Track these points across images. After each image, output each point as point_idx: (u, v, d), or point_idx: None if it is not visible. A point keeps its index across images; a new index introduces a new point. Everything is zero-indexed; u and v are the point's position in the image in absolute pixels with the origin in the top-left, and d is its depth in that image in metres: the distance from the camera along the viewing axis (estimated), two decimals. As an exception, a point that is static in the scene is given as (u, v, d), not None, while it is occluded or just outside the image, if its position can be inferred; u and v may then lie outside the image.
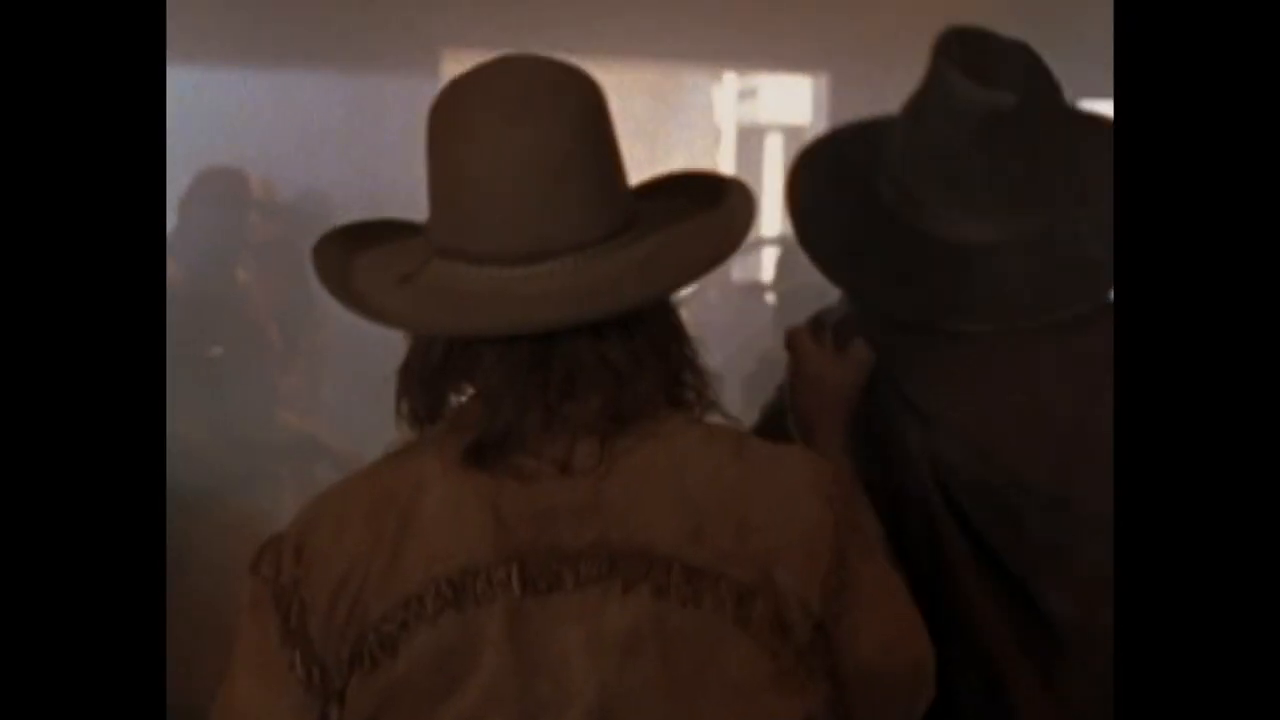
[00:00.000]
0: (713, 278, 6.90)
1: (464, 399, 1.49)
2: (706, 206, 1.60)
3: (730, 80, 12.79)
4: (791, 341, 1.79)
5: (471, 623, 1.42)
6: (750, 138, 13.38)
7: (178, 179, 4.66)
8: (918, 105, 1.79)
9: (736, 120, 13.06)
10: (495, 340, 1.44)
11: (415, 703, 1.42)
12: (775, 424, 1.81)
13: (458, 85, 1.50)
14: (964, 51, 1.76)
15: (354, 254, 1.51)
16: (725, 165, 12.83)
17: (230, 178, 4.65)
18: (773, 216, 12.88)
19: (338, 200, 5.80)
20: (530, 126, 1.44)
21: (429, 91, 6.29)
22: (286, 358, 4.50)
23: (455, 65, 7.09)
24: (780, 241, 7.90)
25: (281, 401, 4.36)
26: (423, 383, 1.50)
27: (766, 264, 8.13)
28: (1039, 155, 1.73)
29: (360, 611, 1.44)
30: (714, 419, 1.52)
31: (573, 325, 1.41)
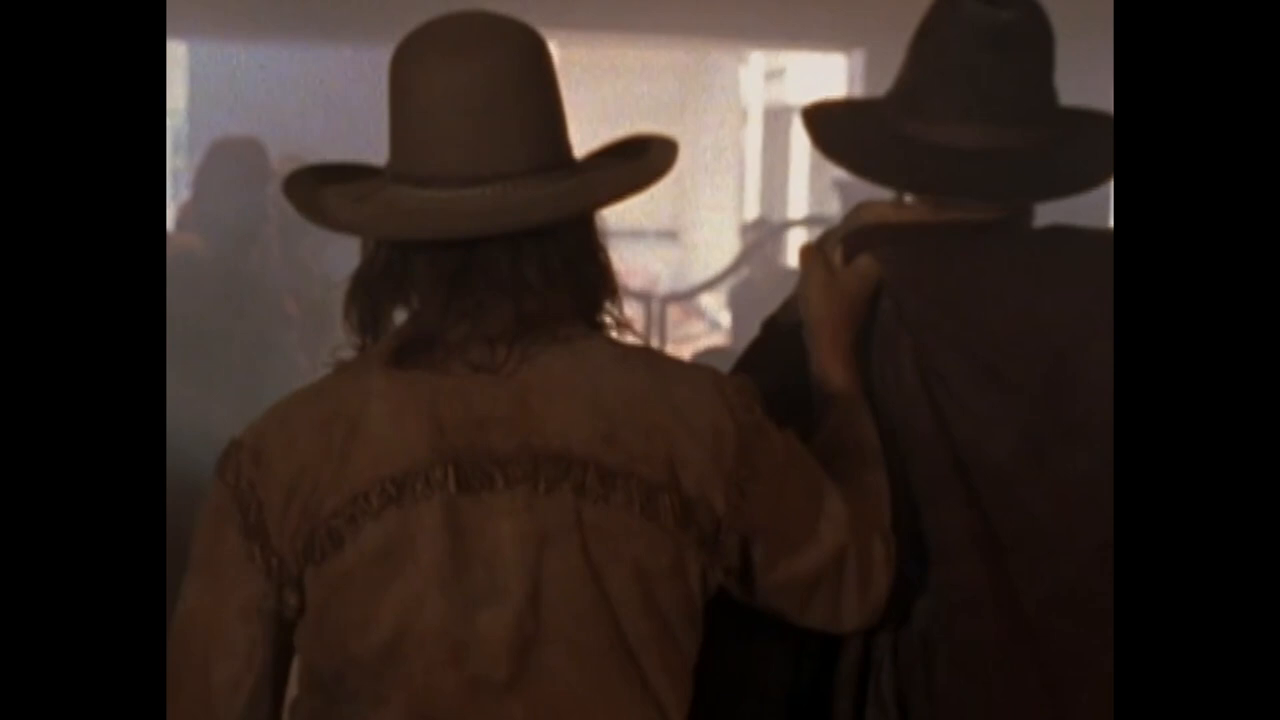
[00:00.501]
0: (756, 261, 6.78)
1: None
2: (633, 157, 1.75)
3: (757, 61, 12.73)
4: (804, 255, 1.93)
5: (412, 518, 1.58)
6: (778, 118, 13.30)
7: (200, 156, 4.62)
8: (925, 28, 1.93)
9: (764, 101, 12.98)
10: (425, 249, 1.62)
11: (363, 589, 1.58)
12: (773, 334, 1.98)
13: (416, 31, 1.68)
14: None
15: (326, 184, 1.70)
16: (752, 146, 12.80)
17: (248, 148, 4.54)
18: (799, 198, 12.85)
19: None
20: (469, 65, 1.60)
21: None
22: (305, 332, 4.46)
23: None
24: (809, 222, 7.84)
25: (301, 379, 4.29)
26: (366, 290, 1.67)
27: (793, 247, 8.13)
28: (1029, 72, 1.90)
29: (312, 509, 1.59)
30: (629, 339, 1.72)
31: (486, 235, 1.59)
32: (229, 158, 4.43)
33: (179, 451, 3.82)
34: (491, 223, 1.60)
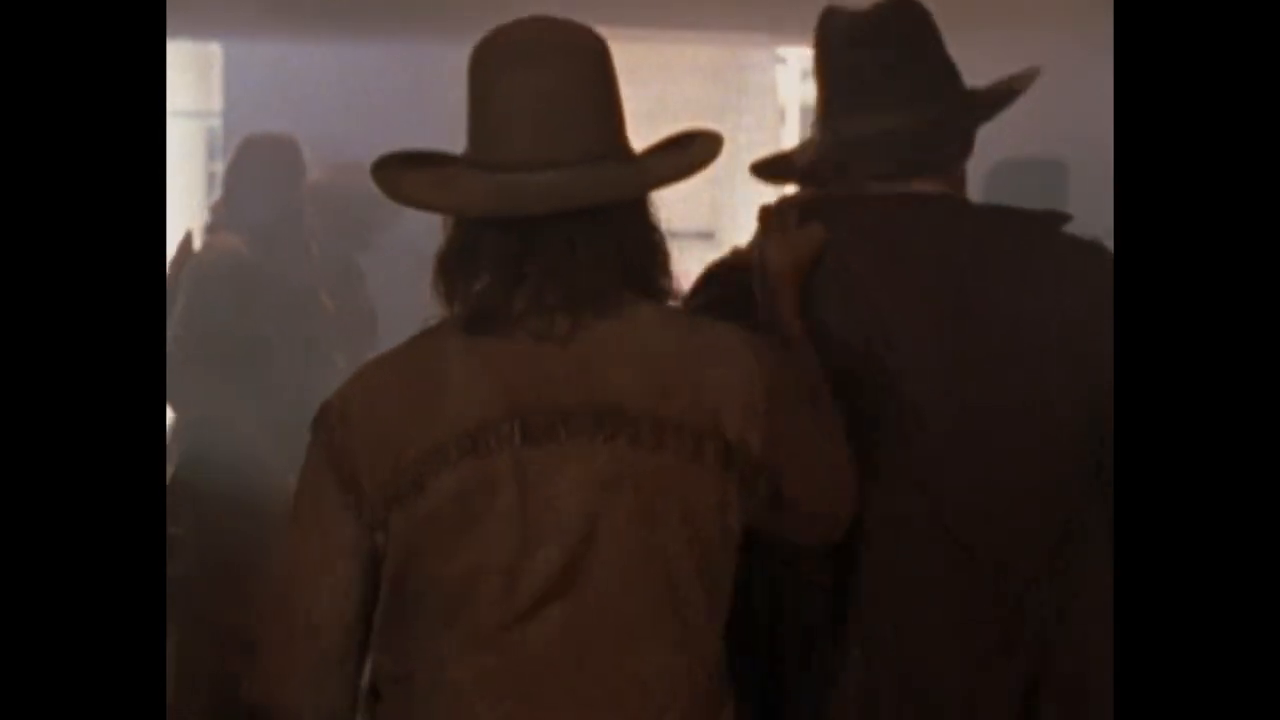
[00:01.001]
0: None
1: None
2: (681, 148, 1.99)
3: (794, 61, 12.64)
4: (763, 216, 2.16)
5: (486, 467, 1.82)
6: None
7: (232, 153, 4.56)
8: (814, 45, 2.25)
9: (801, 100, 12.89)
10: (494, 228, 1.86)
11: (444, 529, 1.81)
12: (713, 284, 2.19)
13: (491, 35, 1.93)
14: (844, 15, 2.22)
15: (406, 170, 1.93)
16: (789, 145, 12.63)
17: (282, 144, 4.46)
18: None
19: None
20: (540, 68, 1.86)
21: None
22: (343, 330, 4.38)
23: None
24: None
25: (341, 377, 4.21)
26: (445, 267, 1.91)
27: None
28: (898, 61, 2.16)
29: (397, 460, 1.82)
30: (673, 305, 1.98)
31: (545, 214, 1.83)
32: (263, 154, 4.37)
33: (228, 451, 3.82)
34: (548, 203, 1.83)
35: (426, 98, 6.34)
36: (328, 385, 3.93)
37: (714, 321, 2.00)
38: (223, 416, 3.92)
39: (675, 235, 2.02)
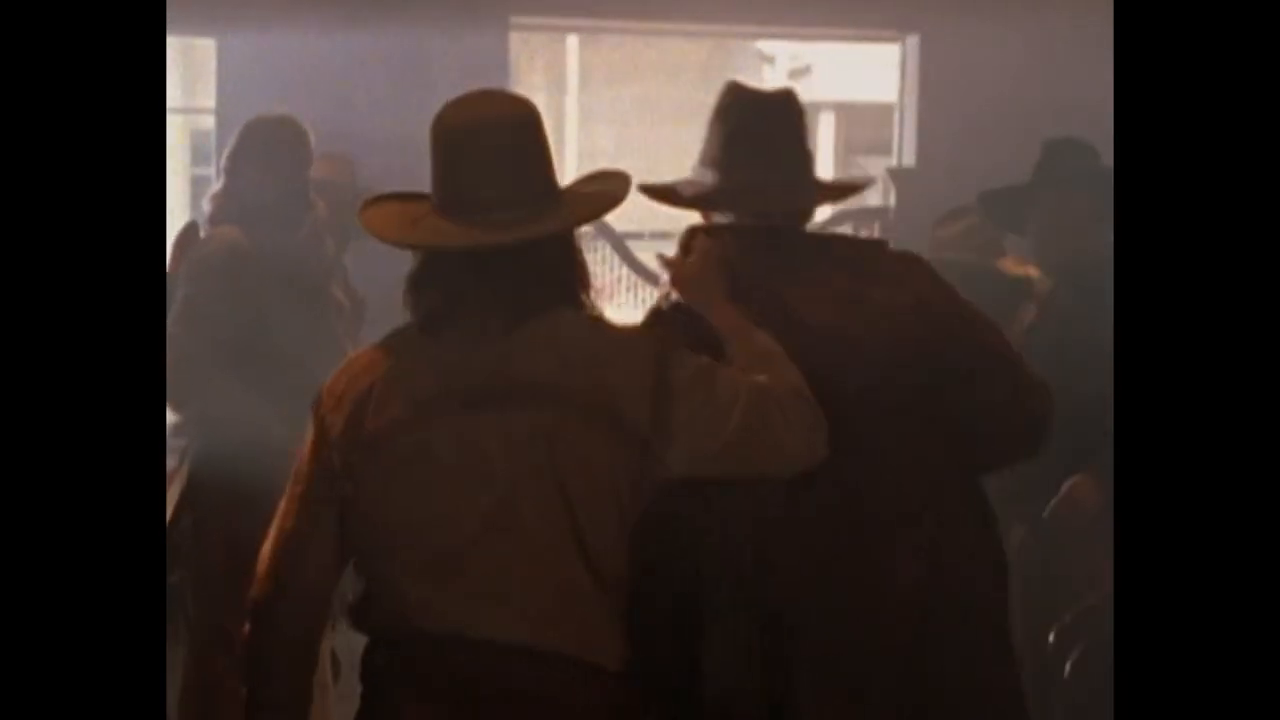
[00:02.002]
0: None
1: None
2: (598, 184, 2.47)
3: (782, 60, 12.59)
4: (664, 260, 2.66)
5: (430, 434, 2.31)
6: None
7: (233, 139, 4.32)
8: (716, 110, 2.70)
9: (788, 99, 12.83)
10: (453, 256, 2.36)
11: (400, 484, 2.31)
12: (660, 319, 2.63)
13: (447, 107, 2.38)
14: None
15: (384, 208, 2.44)
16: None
17: (287, 127, 4.05)
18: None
19: (390, 163, 5.60)
20: (484, 134, 2.35)
21: (489, 54, 5.94)
22: (352, 322, 4.21)
23: (517, 36, 6.96)
24: (834, 221, 7.66)
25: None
26: (412, 284, 2.38)
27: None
28: (783, 133, 2.68)
29: (362, 429, 2.33)
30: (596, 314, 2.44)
31: (485, 251, 2.33)
32: (267, 135, 4.02)
33: (241, 445, 3.66)
34: (494, 239, 2.32)
35: (419, 92, 6.26)
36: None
37: (618, 324, 2.49)
38: (229, 412, 3.74)
39: (664, 236, 2.56)
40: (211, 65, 6.49)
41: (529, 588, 2.26)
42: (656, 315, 2.62)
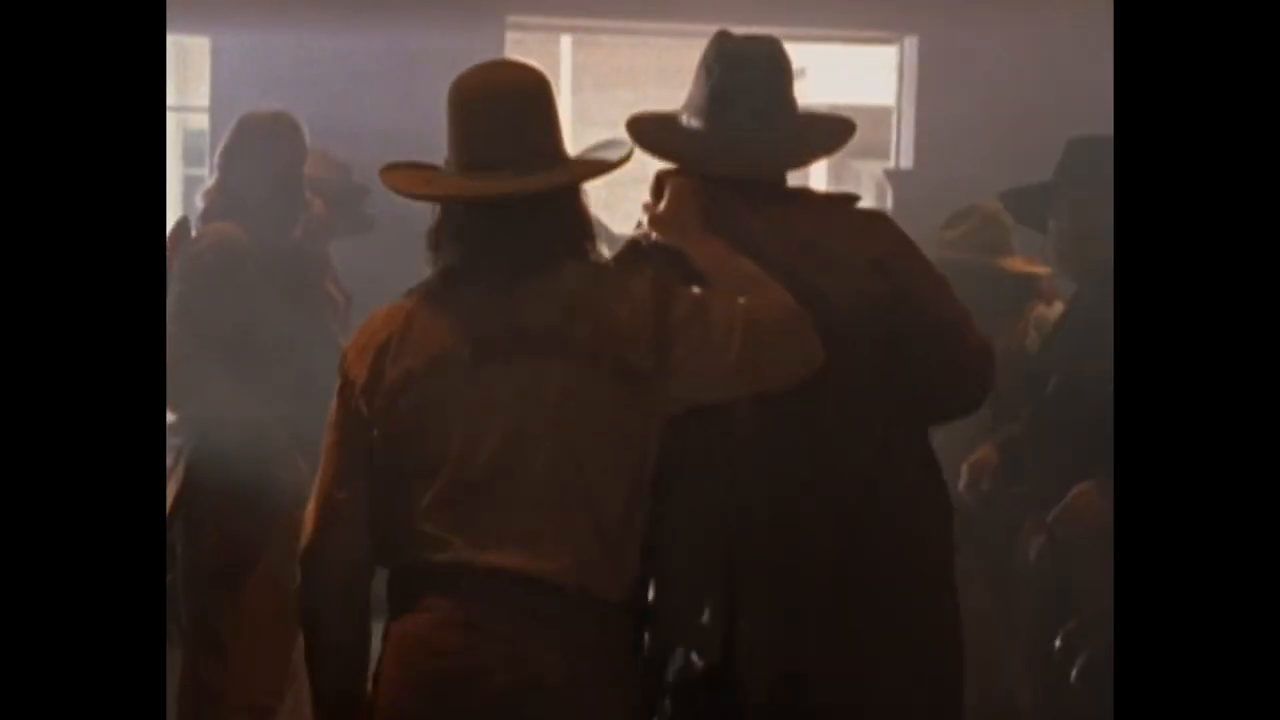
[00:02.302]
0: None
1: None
2: (603, 150, 2.65)
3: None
4: (653, 187, 2.79)
5: (445, 381, 2.50)
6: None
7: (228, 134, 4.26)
8: (701, 62, 2.81)
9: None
10: (468, 212, 2.53)
11: (417, 428, 2.50)
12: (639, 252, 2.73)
13: (463, 75, 2.58)
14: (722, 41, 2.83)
15: (402, 172, 2.60)
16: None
17: (282, 123, 3.99)
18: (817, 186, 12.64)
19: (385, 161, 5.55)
20: (497, 99, 2.53)
21: (485, 53, 5.90)
22: (349, 318, 4.14)
23: (514, 35, 6.93)
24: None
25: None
26: (432, 241, 2.56)
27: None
28: (769, 84, 2.77)
29: (384, 379, 2.52)
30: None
31: (495, 202, 2.50)
32: (262, 130, 3.96)
33: (240, 443, 3.62)
34: (504, 191, 2.49)
35: (414, 91, 6.22)
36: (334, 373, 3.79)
37: (620, 271, 2.63)
38: (223, 411, 3.69)
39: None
40: (204, 63, 6.46)
41: (533, 523, 2.44)
42: (634, 248, 2.72)
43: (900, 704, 2.60)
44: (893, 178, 6.67)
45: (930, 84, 6.44)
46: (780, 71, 2.76)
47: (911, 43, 6.54)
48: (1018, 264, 4.22)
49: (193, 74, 8.30)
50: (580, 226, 2.55)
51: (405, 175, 2.57)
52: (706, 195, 2.67)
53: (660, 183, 2.73)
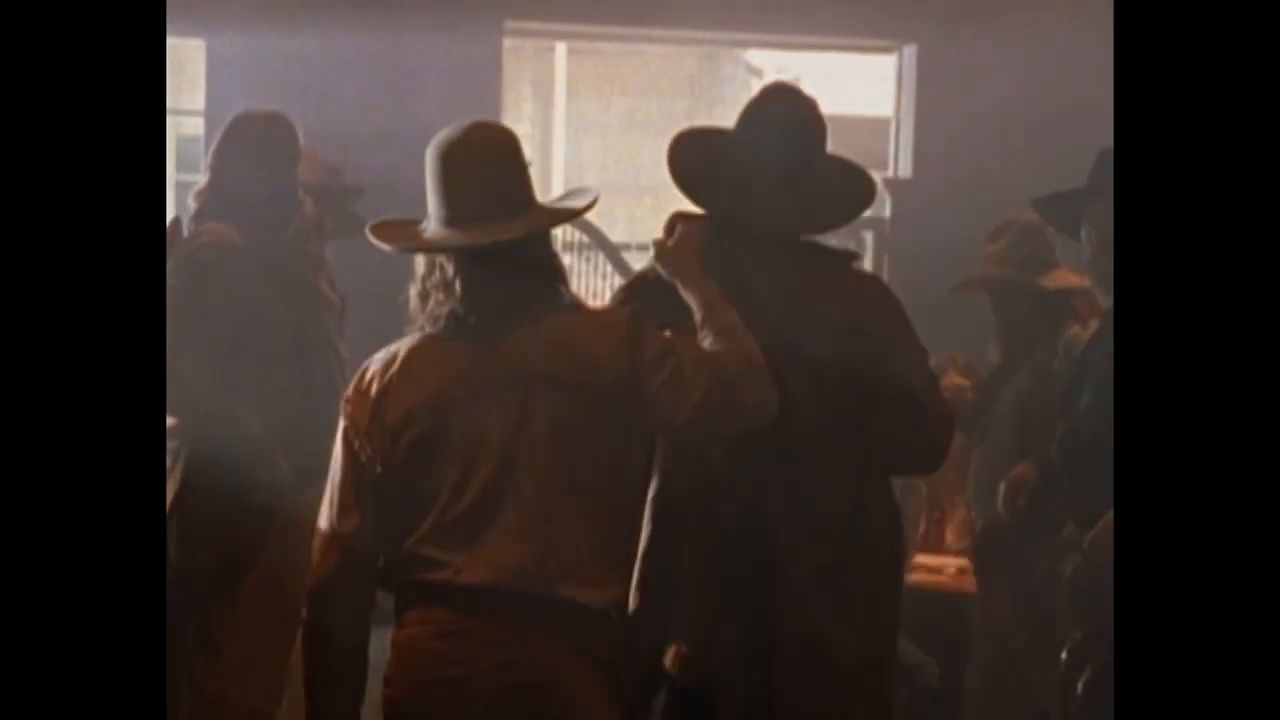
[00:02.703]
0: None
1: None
2: (570, 200, 2.92)
3: (769, 73, 12.55)
4: (658, 243, 3.02)
5: (441, 420, 2.72)
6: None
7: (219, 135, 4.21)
8: (741, 120, 3.01)
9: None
10: (447, 263, 2.74)
11: (417, 463, 2.72)
12: (642, 289, 3.02)
13: (441, 136, 2.76)
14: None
15: (389, 230, 2.83)
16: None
17: (275, 123, 3.93)
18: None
19: (381, 167, 5.53)
20: (473, 159, 2.74)
21: (481, 58, 5.87)
22: (343, 320, 4.10)
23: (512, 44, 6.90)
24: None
25: (344, 366, 3.97)
26: (419, 292, 2.78)
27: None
28: (802, 149, 2.97)
29: (385, 423, 2.73)
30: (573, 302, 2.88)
31: (472, 251, 2.73)
32: (255, 131, 3.90)
33: (229, 448, 3.58)
34: (485, 242, 2.72)
35: (411, 96, 6.20)
36: (331, 376, 3.76)
37: (595, 310, 2.98)
38: (218, 413, 3.65)
39: (649, 248, 2.99)
40: (198, 67, 6.43)
41: (524, 541, 2.68)
42: (641, 279, 3.05)
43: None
44: (892, 187, 6.65)
45: (929, 93, 6.42)
46: (811, 134, 2.94)
47: (910, 51, 6.50)
48: (1060, 278, 4.13)
49: (186, 78, 8.25)
50: (553, 269, 2.81)
51: (393, 230, 2.81)
52: (712, 240, 2.89)
53: (673, 223, 2.96)
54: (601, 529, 2.71)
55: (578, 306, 2.85)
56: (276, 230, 3.83)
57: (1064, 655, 3.22)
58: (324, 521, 2.76)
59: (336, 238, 4.44)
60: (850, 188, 3.00)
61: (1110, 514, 3.30)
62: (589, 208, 2.87)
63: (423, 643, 2.70)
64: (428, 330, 2.75)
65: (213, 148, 3.97)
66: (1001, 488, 3.81)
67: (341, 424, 2.78)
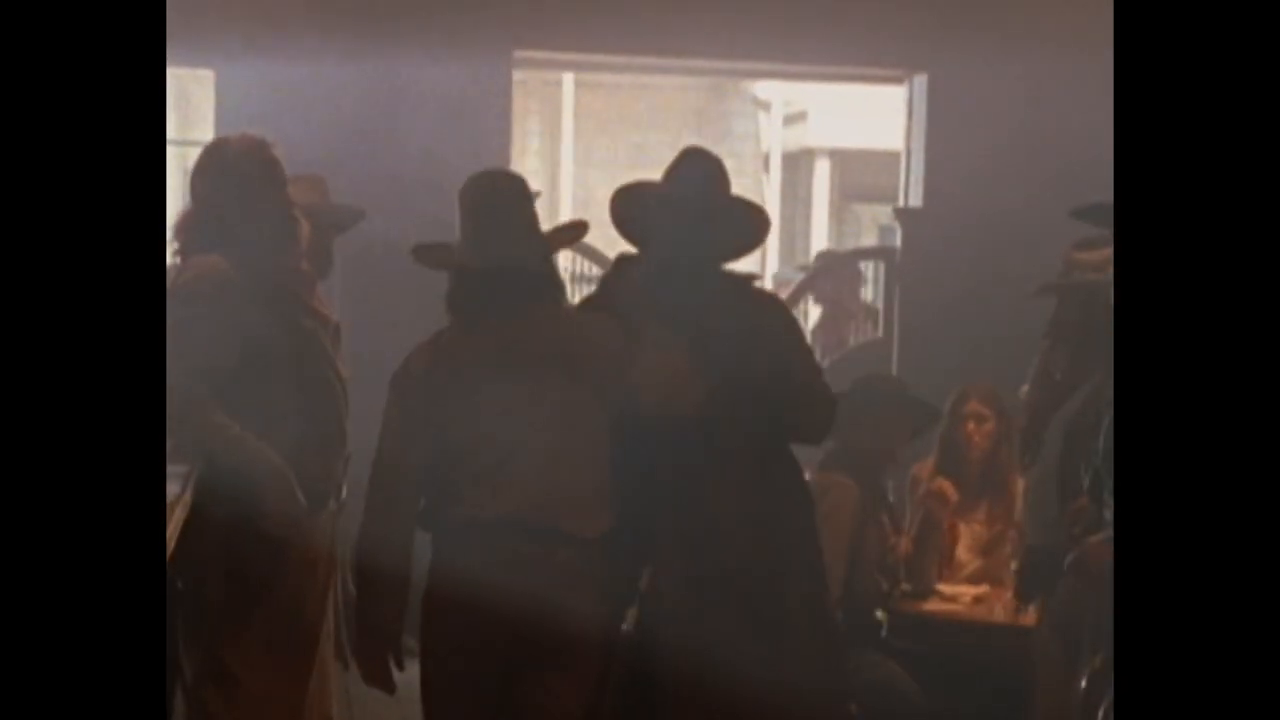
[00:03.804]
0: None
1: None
2: (567, 231, 3.90)
3: (777, 107, 12.56)
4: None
5: (472, 394, 3.47)
6: (798, 162, 13.10)
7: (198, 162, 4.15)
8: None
9: (783, 146, 12.78)
10: (469, 279, 3.55)
11: (451, 426, 3.47)
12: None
13: (471, 179, 3.63)
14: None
15: (426, 249, 3.66)
16: (771, 192, 12.60)
17: (255, 147, 3.80)
18: (820, 241, 12.66)
19: (391, 196, 5.54)
20: (494, 199, 3.60)
21: (491, 89, 5.90)
22: (345, 342, 4.07)
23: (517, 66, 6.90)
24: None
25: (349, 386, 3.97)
26: (450, 302, 3.55)
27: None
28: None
29: (430, 391, 3.48)
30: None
31: (495, 269, 3.54)
32: (230, 161, 3.78)
33: (237, 473, 3.55)
34: (499, 262, 3.51)
35: (420, 126, 6.21)
36: (333, 398, 3.75)
37: (581, 310, 3.80)
38: (224, 442, 3.60)
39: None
40: (206, 98, 6.42)
41: (533, 487, 3.43)
42: (603, 286, 3.86)
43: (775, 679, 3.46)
44: (902, 216, 6.63)
45: (940, 122, 6.40)
46: (717, 183, 3.68)
47: (921, 81, 6.49)
48: None
49: (194, 108, 8.26)
50: (552, 282, 3.63)
51: (431, 254, 3.61)
52: (646, 272, 3.65)
53: (619, 261, 3.78)
54: (591, 478, 3.47)
55: (569, 311, 3.73)
56: (272, 256, 3.76)
57: (1083, 683, 3.19)
58: (376, 465, 3.47)
59: (335, 235, 4.41)
60: (752, 223, 3.70)
61: (1095, 538, 3.29)
62: (579, 238, 3.92)
63: (454, 566, 3.43)
64: (457, 328, 3.53)
65: (190, 177, 3.83)
66: (1065, 519, 3.77)
67: (392, 394, 3.51)
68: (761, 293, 3.83)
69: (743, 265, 3.79)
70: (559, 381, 3.45)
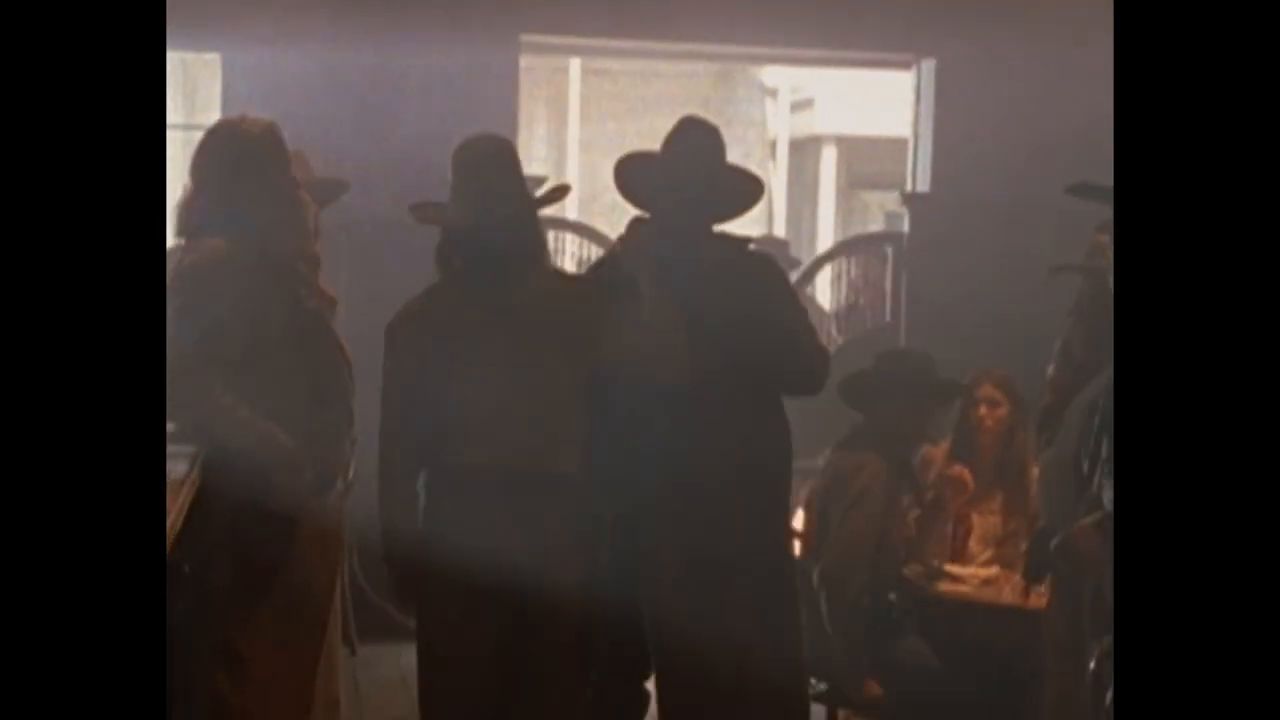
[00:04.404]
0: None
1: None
2: (554, 192, 4.14)
3: (784, 93, 12.53)
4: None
5: (462, 344, 3.71)
6: (805, 149, 13.07)
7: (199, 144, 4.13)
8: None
9: (790, 132, 12.74)
10: (459, 236, 3.76)
11: (445, 376, 3.72)
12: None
13: (462, 143, 3.86)
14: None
15: (423, 211, 3.89)
16: (778, 179, 12.57)
17: (260, 130, 3.80)
18: (826, 229, 12.64)
19: (398, 179, 5.53)
20: (482, 161, 3.80)
21: (498, 73, 5.93)
22: (347, 316, 4.09)
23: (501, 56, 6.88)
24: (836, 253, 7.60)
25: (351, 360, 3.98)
26: (439, 256, 3.80)
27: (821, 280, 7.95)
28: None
29: (424, 344, 3.71)
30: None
31: (485, 225, 3.73)
32: (235, 143, 3.77)
33: (246, 456, 3.54)
34: (486, 219, 3.68)
35: (426, 110, 6.20)
36: (340, 377, 3.76)
37: (569, 274, 4.36)
38: (233, 424, 3.60)
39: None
40: (213, 82, 6.42)
41: (518, 429, 3.68)
42: (611, 255, 4.06)
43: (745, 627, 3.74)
44: (910, 201, 6.62)
45: (948, 107, 6.38)
46: (715, 150, 3.88)
47: (929, 66, 6.48)
48: None
49: (201, 93, 8.26)
50: (537, 241, 3.88)
51: (423, 211, 3.82)
52: (651, 232, 3.87)
53: (633, 224, 3.93)
54: (569, 421, 3.71)
55: (555, 270, 4.05)
56: (279, 238, 3.75)
57: (1091, 666, 3.18)
58: (384, 412, 3.70)
59: (323, 207, 4.39)
60: (746, 187, 3.89)
61: (1079, 524, 3.29)
62: (562, 197, 4.18)
63: (447, 499, 3.69)
64: (446, 282, 3.73)
65: (192, 161, 3.81)
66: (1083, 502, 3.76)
67: (388, 345, 3.71)
68: (755, 253, 4.05)
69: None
70: (536, 333, 3.67)
